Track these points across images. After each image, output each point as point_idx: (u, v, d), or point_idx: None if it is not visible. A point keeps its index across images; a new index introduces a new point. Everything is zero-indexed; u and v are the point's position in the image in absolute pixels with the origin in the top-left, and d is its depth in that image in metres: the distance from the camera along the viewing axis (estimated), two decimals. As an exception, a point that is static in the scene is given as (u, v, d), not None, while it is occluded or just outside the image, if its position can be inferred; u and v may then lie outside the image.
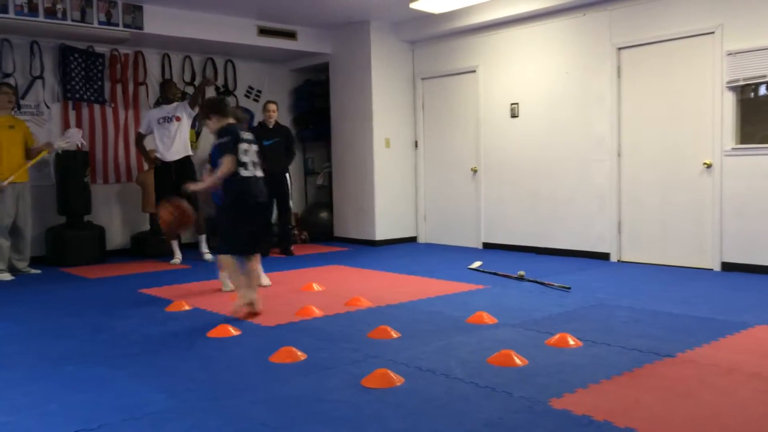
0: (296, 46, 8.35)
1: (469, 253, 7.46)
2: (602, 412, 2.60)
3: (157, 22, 7.19)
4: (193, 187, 4.52)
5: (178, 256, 7.09)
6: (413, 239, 8.67)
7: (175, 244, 7.15)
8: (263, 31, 8.02)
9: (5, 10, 6.28)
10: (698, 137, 6.01)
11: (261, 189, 4.40)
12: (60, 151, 6.87)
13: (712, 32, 5.84)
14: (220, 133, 4.36)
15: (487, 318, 4.16)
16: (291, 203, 7.78)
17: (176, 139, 7.01)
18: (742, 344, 3.55)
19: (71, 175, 7.06)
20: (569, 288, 5.15)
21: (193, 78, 8.40)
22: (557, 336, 3.64)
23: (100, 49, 7.62)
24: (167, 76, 8.15)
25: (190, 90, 8.13)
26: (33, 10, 6.43)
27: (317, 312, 4.45)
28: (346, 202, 8.71)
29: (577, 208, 6.92)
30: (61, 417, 2.68)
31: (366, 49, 8.21)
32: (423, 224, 8.62)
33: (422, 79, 8.49)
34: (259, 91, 9.09)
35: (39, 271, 6.61)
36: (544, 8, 6.87)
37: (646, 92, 6.35)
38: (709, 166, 5.93)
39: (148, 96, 8.00)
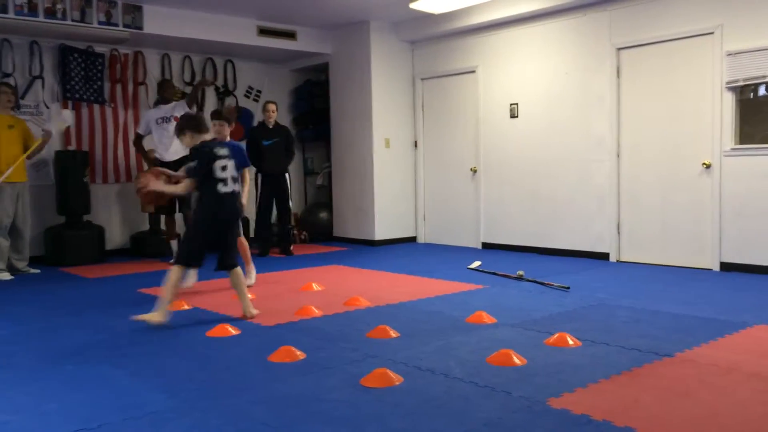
0: (296, 46, 8.35)
1: (469, 253, 7.46)
2: (601, 412, 2.60)
3: (156, 22, 7.19)
4: (169, 189, 4.42)
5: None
6: (413, 239, 8.67)
7: (174, 244, 7.14)
8: (263, 31, 8.02)
9: (5, 10, 6.28)
10: (698, 137, 6.01)
11: (234, 206, 4.37)
12: (51, 131, 6.65)
13: (712, 33, 5.85)
14: (191, 154, 4.36)
15: (487, 318, 4.16)
16: (290, 203, 7.79)
17: (175, 139, 7.00)
18: (741, 344, 3.55)
19: (71, 175, 7.06)
20: (568, 288, 5.15)
21: (193, 78, 8.40)
22: (556, 336, 3.64)
23: (99, 49, 7.62)
24: (167, 76, 8.16)
25: (189, 90, 8.12)
26: (33, 10, 6.43)
27: (316, 312, 4.46)
28: (345, 202, 8.71)
29: (576, 208, 6.93)
30: (61, 416, 2.68)
31: (366, 49, 8.21)
32: (422, 224, 8.62)
33: (422, 79, 8.50)
34: (259, 91, 9.10)
35: (38, 271, 6.61)
36: (543, 8, 6.87)
37: (646, 92, 6.35)
38: (708, 166, 5.94)
39: (147, 96, 8.00)
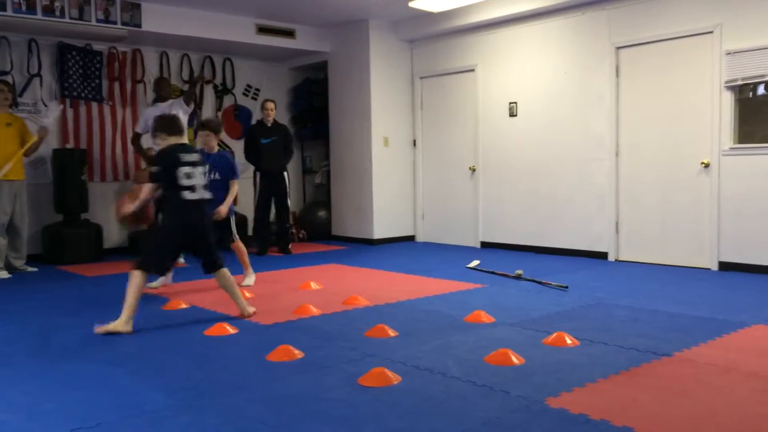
0: (295, 45, 8.34)
1: (467, 252, 7.46)
2: (599, 411, 2.60)
3: (155, 20, 7.18)
4: (124, 210, 4.29)
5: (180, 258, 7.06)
6: (411, 238, 8.67)
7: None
8: (262, 30, 8.01)
9: (3, 8, 6.26)
10: (697, 137, 6.01)
11: (203, 214, 4.26)
12: (48, 127, 6.61)
13: (711, 32, 5.85)
14: (155, 158, 4.31)
15: (485, 317, 4.16)
16: (289, 202, 7.78)
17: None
18: (740, 343, 3.56)
19: (68, 173, 7.05)
20: (567, 287, 5.15)
21: (191, 76, 8.38)
22: (554, 335, 3.64)
23: (97, 47, 7.61)
24: (165, 74, 8.14)
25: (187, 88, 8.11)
26: (31, 8, 6.41)
27: (315, 310, 4.45)
28: (344, 201, 8.70)
29: (575, 207, 6.93)
30: (60, 415, 2.68)
31: (365, 47, 8.21)
32: (421, 223, 8.62)
33: (421, 77, 8.49)
34: (258, 90, 9.08)
35: (36, 269, 6.60)
36: (543, 7, 6.87)
37: (645, 92, 6.35)
38: (707, 165, 5.94)
39: (146, 94, 7.98)
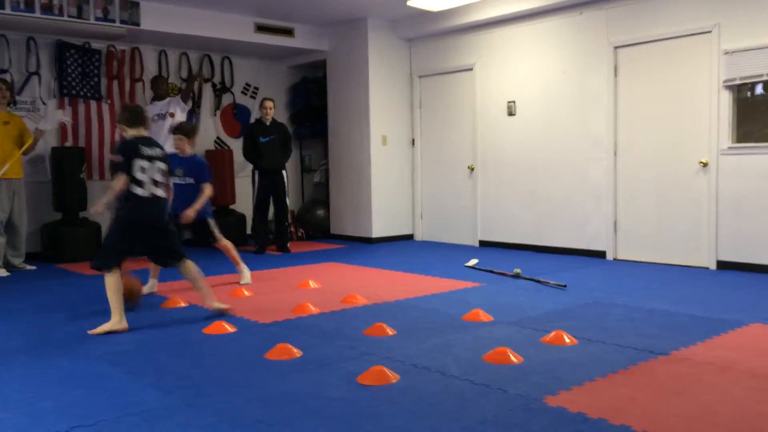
0: (294, 43, 8.34)
1: (466, 250, 7.46)
2: (597, 410, 2.60)
3: (153, 19, 7.18)
4: (92, 211, 4.29)
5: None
6: (410, 237, 8.67)
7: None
8: (261, 28, 8.01)
9: (1, 6, 6.26)
10: (695, 136, 6.02)
11: (155, 211, 4.14)
12: (44, 130, 6.57)
13: (709, 31, 5.85)
14: (117, 146, 4.26)
15: (483, 316, 4.17)
16: (287, 200, 7.78)
17: (171, 135, 6.99)
18: (737, 342, 3.56)
19: (67, 172, 7.04)
20: (565, 286, 5.16)
21: (190, 75, 8.37)
22: (553, 334, 3.64)
23: (96, 45, 7.61)
24: (164, 72, 8.14)
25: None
26: (29, 6, 6.41)
27: (313, 309, 4.46)
28: (342, 200, 8.71)
29: (573, 206, 6.93)
30: (57, 413, 2.68)
31: (363, 46, 8.20)
32: (419, 222, 8.62)
33: (419, 76, 8.49)
34: (256, 88, 9.08)
35: (34, 268, 6.59)
36: (541, 6, 6.87)
37: (643, 91, 6.36)
38: (705, 165, 5.94)
39: (144, 93, 7.98)
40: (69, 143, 7.45)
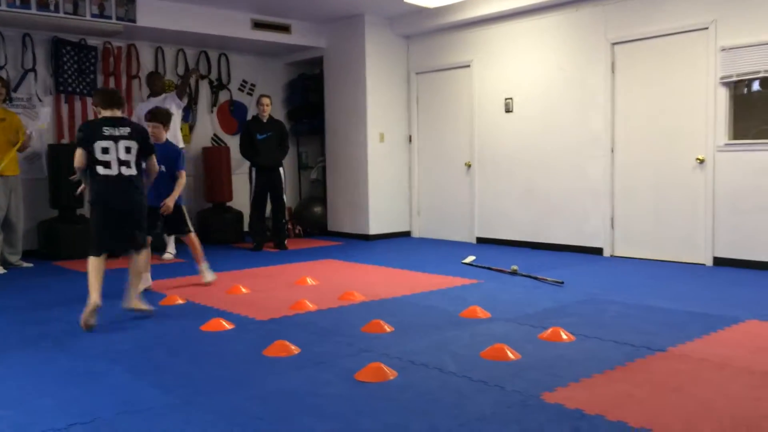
0: (290, 40, 8.33)
1: (463, 247, 7.47)
2: (594, 406, 2.61)
3: (150, 15, 7.15)
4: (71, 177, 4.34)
5: (171, 251, 7.05)
6: (407, 234, 8.68)
7: (171, 237, 7.12)
8: (257, 25, 7.99)
9: (-3, 2, 6.24)
10: (691, 133, 6.02)
11: (122, 190, 4.12)
12: (33, 134, 6.49)
13: (706, 28, 5.86)
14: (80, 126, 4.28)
15: (481, 312, 4.17)
16: (284, 197, 7.77)
17: (166, 132, 6.97)
18: (734, 339, 3.58)
19: (63, 169, 7.01)
20: (562, 283, 5.16)
21: (187, 71, 8.35)
22: (550, 330, 3.65)
23: (92, 41, 7.58)
24: (161, 69, 8.12)
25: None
26: (25, 3, 6.38)
27: (311, 306, 4.46)
28: (339, 197, 8.70)
29: (570, 203, 6.94)
30: (55, 411, 2.68)
31: (360, 43, 8.19)
32: (417, 219, 8.63)
33: (417, 73, 8.48)
34: (253, 85, 9.06)
35: (31, 265, 6.58)
36: (538, 3, 6.86)
37: (640, 88, 6.36)
38: (702, 161, 5.95)
39: (141, 89, 7.96)
40: (65, 140, 7.43)
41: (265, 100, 7.61)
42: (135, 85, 7.98)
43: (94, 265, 4.06)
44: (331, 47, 8.61)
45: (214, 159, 8.35)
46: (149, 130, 5.25)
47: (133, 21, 7.05)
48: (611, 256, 6.63)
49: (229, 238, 8.20)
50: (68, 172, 6.95)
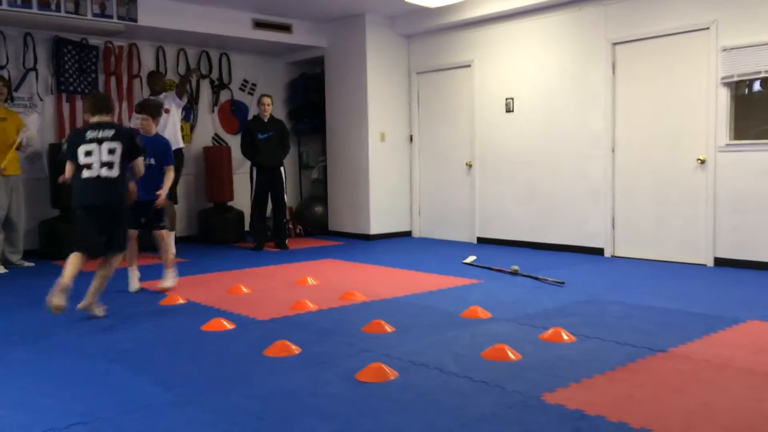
0: (291, 40, 8.32)
1: (464, 247, 7.47)
2: (595, 407, 2.61)
3: (151, 14, 7.15)
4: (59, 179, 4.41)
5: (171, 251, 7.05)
6: (408, 233, 8.68)
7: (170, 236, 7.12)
8: (258, 24, 7.99)
9: (-2, 2, 6.24)
10: (692, 133, 6.02)
11: (101, 191, 4.14)
12: (24, 141, 6.38)
13: (707, 28, 5.85)
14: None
15: (481, 312, 4.17)
16: (285, 197, 7.77)
17: (165, 132, 6.99)
18: (735, 339, 3.57)
19: (64, 168, 7.00)
20: (563, 283, 5.16)
21: (188, 71, 8.35)
22: (551, 331, 3.65)
23: (93, 41, 7.58)
24: (161, 69, 8.12)
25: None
26: (26, 2, 6.38)
27: (312, 306, 4.46)
28: (340, 196, 8.70)
29: (571, 203, 6.94)
30: (57, 410, 2.68)
31: (361, 42, 8.19)
32: (417, 218, 8.63)
33: (417, 73, 8.48)
34: (254, 85, 9.06)
35: (32, 264, 6.58)
36: (539, 3, 6.86)
37: (641, 88, 6.36)
38: (703, 161, 5.95)
39: (142, 89, 7.96)
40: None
41: (266, 100, 7.61)
42: (136, 85, 7.98)
43: (73, 259, 4.13)
44: (332, 47, 8.61)
45: (215, 158, 8.35)
46: (138, 122, 5.23)
47: (134, 20, 7.05)
48: (612, 256, 6.63)
49: (230, 237, 8.20)
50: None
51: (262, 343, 3.57)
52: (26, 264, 6.56)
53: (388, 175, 8.42)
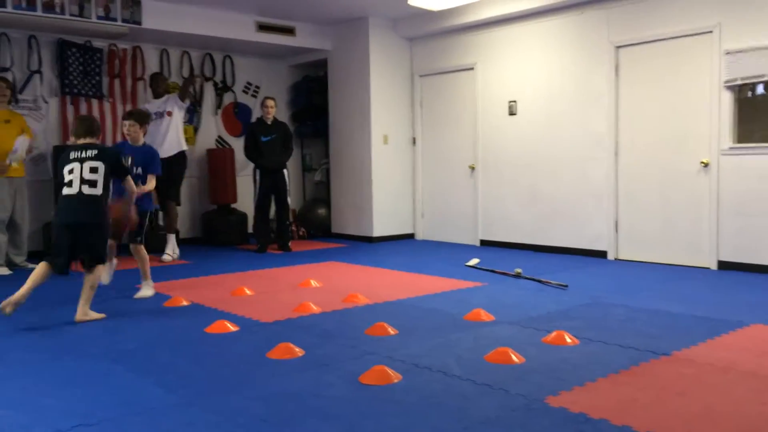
0: (295, 42, 8.34)
1: (467, 250, 7.46)
2: (599, 410, 2.61)
3: (155, 17, 7.18)
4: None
5: (173, 252, 7.06)
6: (411, 236, 8.68)
7: (171, 238, 7.13)
8: (262, 27, 8.01)
9: (3, 4, 6.26)
10: (696, 136, 6.02)
11: (79, 208, 4.19)
12: (13, 164, 6.29)
13: (711, 31, 5.85)
14: None
15: (485, 315, 4.17)
16: (289, 199, 7.78)
17: (168, 135, 7.01)
18: (738, 343, 3.57)
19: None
20: (566, 286, 5.16)
21: (191, 74, 8.37)
22: (554, 334, 3.65)
23: (98, 43, 7.61)
24: (165, 71, 8.14)
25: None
26: (31, 4, 6.41)
27: (315, 308, 4.46)
28: (343, 199, 8.71)
29: (574, 206, 6.93)
30: (60, 412, 2.69)
31: (364, 45, 8.20)
32: (420, 221, 8.63)
33: (420, 76, 8.49)
34: (258, 87, 9.08)
35: (36, 266, 6.58)
36: (542, 6, 6.87)
37: (644, 91, 6.36)
38: (706, 165, 5.94)
39: (145, 91, 7.98)
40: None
41: (270, 102, 7.63)
42: (140, 87, 8.00)
43: (40, 269, 4.19)
44: (336, 49, 8.62)
45: (218, 161, 8.37)
46: (125, 129, 5.19)
47: (139, 23, 7.07)
48: (615, 259, 6.62)
49: (233, 239, 8.21)
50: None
51: (265, 345, 3.58)
52: (30, 266, 6.56)
53: (391, 178, 8.43)
